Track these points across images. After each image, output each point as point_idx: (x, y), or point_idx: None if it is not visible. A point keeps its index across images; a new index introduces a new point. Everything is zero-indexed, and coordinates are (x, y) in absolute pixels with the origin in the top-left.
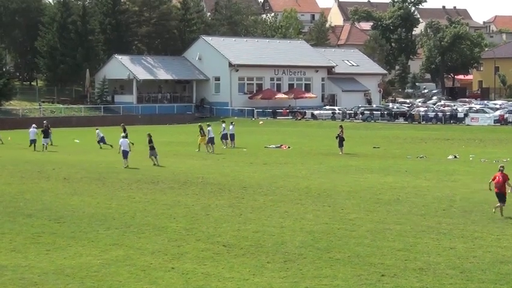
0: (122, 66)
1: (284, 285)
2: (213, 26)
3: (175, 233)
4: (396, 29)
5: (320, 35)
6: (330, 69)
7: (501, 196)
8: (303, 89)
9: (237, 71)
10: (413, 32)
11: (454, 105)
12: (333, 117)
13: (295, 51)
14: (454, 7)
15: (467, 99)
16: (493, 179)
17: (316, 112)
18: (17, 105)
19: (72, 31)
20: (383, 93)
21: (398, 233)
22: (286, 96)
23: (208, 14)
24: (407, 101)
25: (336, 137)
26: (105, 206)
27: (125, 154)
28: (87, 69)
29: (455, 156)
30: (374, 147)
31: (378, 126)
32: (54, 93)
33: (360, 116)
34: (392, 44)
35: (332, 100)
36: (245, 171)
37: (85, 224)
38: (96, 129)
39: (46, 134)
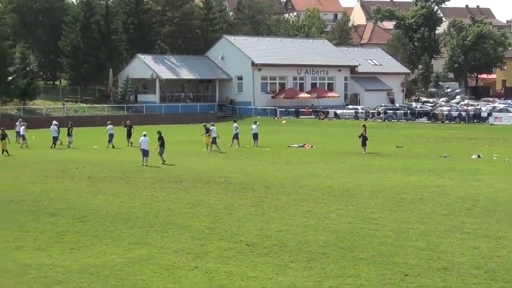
0: (145, 65)
1: (307, 284)
2: (235, 25)
3: (199, 232)
4: (419, 28)
5: (343, 34)
6: (352, 69)
7: None
8: (326, 89)
9: (260, 70)
10: (436, 31)
11: (478, 105)
12: (356, 116)
13: (317, 51)
14: (477, 6)
15: (490, 99)
16: None
17: (339, 111)
18: (40, 105)
19: (95, 31)
20: (406, 92)
21: (422, 232)
22: (309, 95)
23: (231, 13)
24: (431, 100)
25: (359, 136)
26: (128, 205)
27: (145, 153)
28: (110, 69)
29: (478, 156)
30: (397, 147)
31: (400, 126)
32: (77, 93)
33: (383, 115)
34: (415, 43)
35: (355, 99)
36: (268, 170)
37: (109, 222)
38: (109, 123)
39: (69, 133)
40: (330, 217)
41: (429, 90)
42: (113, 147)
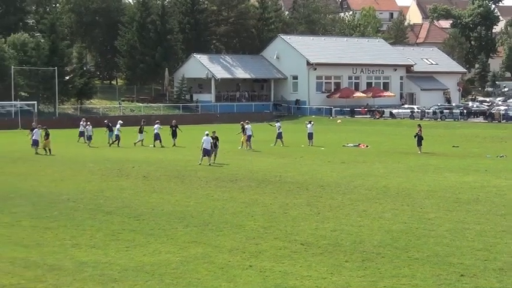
0: (201, 65)
1: (362, 284)
2: (291, 24)
3: (253, 231)
4: (476, 27)
5: (399, 33)
6: (408, 68)
7: None
8: (381, 88)
9: (315, 69)
10: (493, 30)
11: None
12: (412, 116)
13: (373, 50)
14: None
15: None
16: None
17: (394, 111)
18: (97, 104)
19: (152, 30)
20: (462, 91)
21: (478, 232)
22: (364, 94)
23: (286, 12)
24: (487, 99)
25: (415, 136)
26: (183, 204)
27: (205, 152)
28: (166, 68)
29: None
30: (453, 146)
31: (456, 125)
32: (133, 92)
33: (439, 114)
34: (472, 42)
35: (410, 99)
36: (323, 170)
37: (164, 221)
38: (157, 122)
39: (141, 130)
40: (384, 217)
41: (486, 89)
42: (154, 146)
